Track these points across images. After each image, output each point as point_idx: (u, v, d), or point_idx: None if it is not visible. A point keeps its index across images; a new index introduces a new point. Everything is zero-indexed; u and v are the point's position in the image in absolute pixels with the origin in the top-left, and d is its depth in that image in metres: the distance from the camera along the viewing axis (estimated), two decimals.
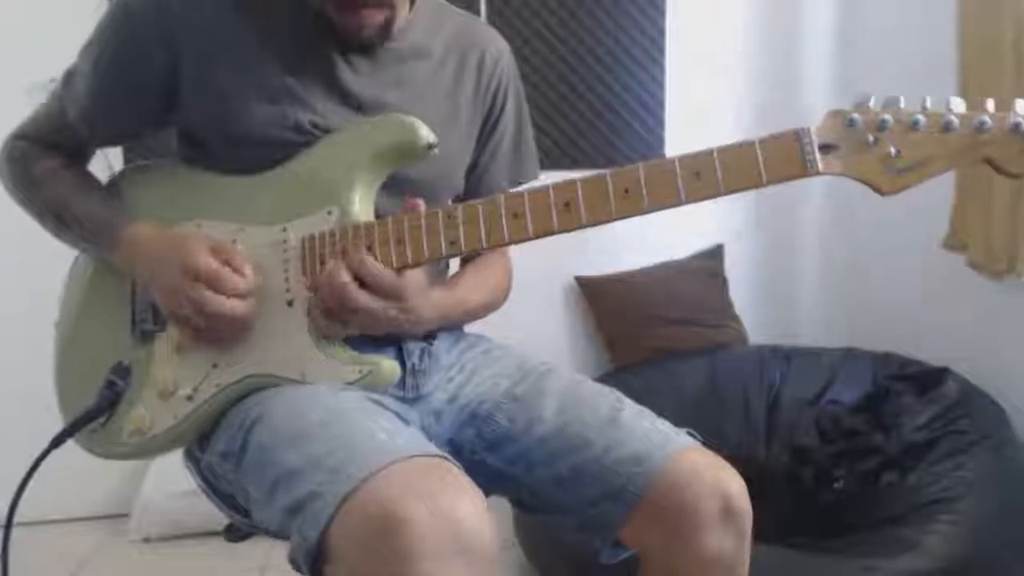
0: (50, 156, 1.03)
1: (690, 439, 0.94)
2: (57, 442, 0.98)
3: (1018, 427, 1.88)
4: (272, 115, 0.94)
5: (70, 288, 1.08)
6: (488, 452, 0.98)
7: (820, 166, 0.83)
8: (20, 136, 1.05)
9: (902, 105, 0.83)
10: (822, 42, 2.53)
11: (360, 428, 0.79)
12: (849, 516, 1.79)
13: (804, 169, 0.83)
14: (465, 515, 0.69)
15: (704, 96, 2.52)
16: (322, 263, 0.90)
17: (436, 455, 0.77)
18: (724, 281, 2.56)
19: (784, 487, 1.88)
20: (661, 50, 2.49)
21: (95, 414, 0.97)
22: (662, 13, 2.46)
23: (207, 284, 0.88)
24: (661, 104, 2.51)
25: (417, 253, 0.88)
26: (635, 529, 0.91)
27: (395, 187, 0.97)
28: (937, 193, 2.04)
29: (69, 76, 1.00)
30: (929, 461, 1.79)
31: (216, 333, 0.91)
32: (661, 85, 2.50)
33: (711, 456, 0.92)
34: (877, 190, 0.83)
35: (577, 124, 2.48)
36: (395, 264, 0.89)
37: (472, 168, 1.11)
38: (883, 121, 0.82)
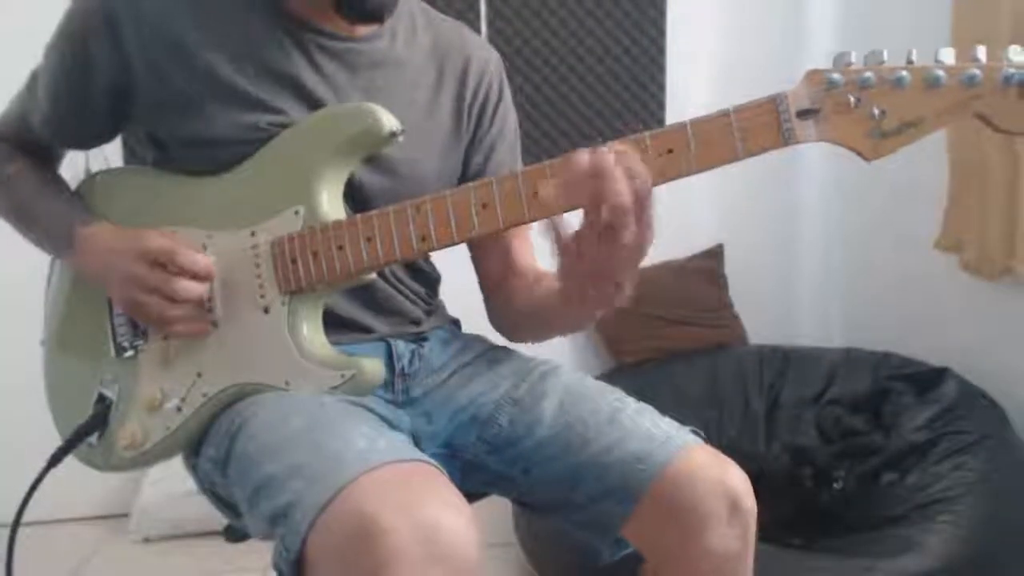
0: (19, 155, 1.02)
1: (694, 437, 0.93)
2: (54, 461, 0.99)
3: (1018, 427, 1.88)
4: (232, 120, 0.91)
5: (50, 306, 1.07)
6: (489, 455, 0.98)
7: (798, 133, 0.76)
8: None
9: (885, 59, 0.75)
10: (826, 43, 2.52)
11: (340, 435, 0.77)
12: (849, 516, 1.79)
13: (781, 138, 0.76)
14: (444, 524, 0.68)
15: (704, 97, 2.52)
16: (293, 265, 0.89)
17: (417, 460, 0.76)
18: (724, 281, 2.56)
19: (784, 487, 1.88)
20: (661, 50, 2.49)
21: (87, 432, 0.97)
22: (662, 13, 2.47)
23: (163, 266, 0.87)
24: (661, 104, 2.51)
25: (388, 250, 0.85)
26: (638, 527, 0.91)
27: (371, 204, 0.94)
28: (938, 192, 2.05)
29: (34, 78, 0.99)
30: (929, 461, 1.79)
31: (179, 321, 0.90)
32: (661, 85, 2.50)
33: (715, 453, 0.91)
34: (861, 156, 0.76)
35: (577, 124, 2.48)
36: (367, 264, 0.86)
37: (464, 174, 1.07)
38: (864, 79, 0.74)
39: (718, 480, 0.88)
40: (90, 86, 0.94)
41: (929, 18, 2.03)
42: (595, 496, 0.91)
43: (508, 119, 1.10)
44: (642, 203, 0.74)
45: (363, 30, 0.97)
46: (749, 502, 0.89)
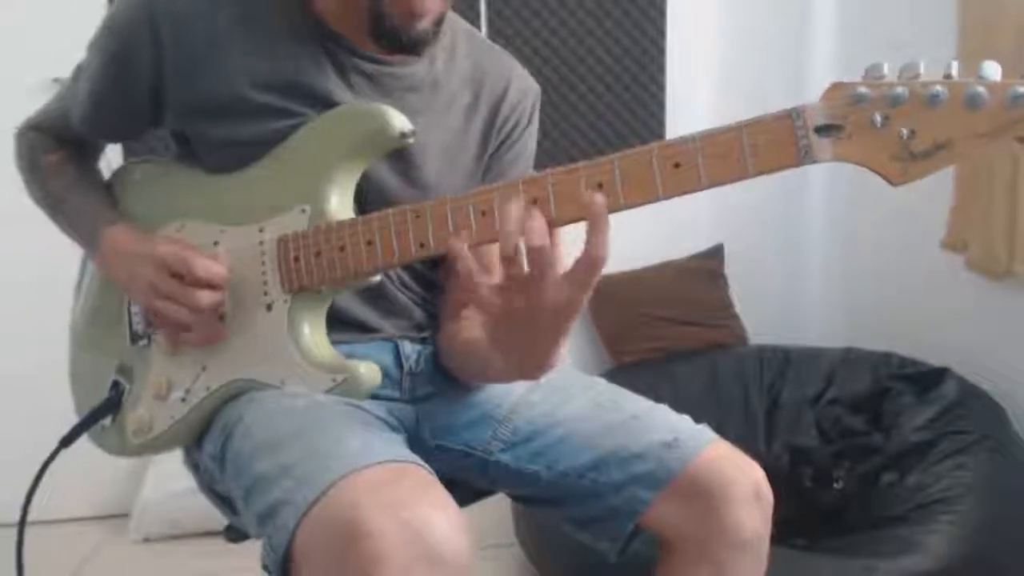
0: (57, 149, 1.05)
1: (713, 432, 0.97)
2: (66, 442, 1.00)
3: (1018, 427, 1.88)
4: (259, 128, 0.92)
5: (83, 291, 1.09)
6: (504, 452, 0.99)
7: (816, 152, 0.68)
8: (33, 126, 1.07)
9: (922, 72, 0.67)
10: (828, 43, 2.52)
11: (334, 436, 0.77)
12: (849, 516, 1.80)
13: (796, 157, 0.69)
14: (433, 525, 0.67)
15: (705, 97, 2.52)
16: (296, 264, 0.89)
17: (408, 461, 0.75)
18: (724, 281, 2.56)
19: (784, 487, 1.88)
20: (661, 50, 2.49)
21: (100, 415, 0.99)
22: (662, 13, 2.46)
23: (181, 275, 0.88)
24: (661, 104, 2.50)
25: (388, 254, 0.84)
26: (663, 511, 0.93)
27: None
28: (938, 192, 2.04)
29: (77, 72, 1.01)
30: (929, 461, 1.79)
31: (194, 327, 0.91)
32: (661, 85, 2.50)
33: (736, 449, 0.97)
34: (887, 180, 0.69)
35: (577, 125, 2.48)
36: (367, 267, 0.85)
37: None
38: (896, 96, 0.66)
39: (743, 469, 0.93)
40: (130, 84, 0.95)
41: (932, 19, 2.03)
42: (621, 484, 0.93)
43: (527, 149, 1.10)
44: (541, 263, 0.69)
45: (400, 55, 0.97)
46: (770, 493, 0.94)
